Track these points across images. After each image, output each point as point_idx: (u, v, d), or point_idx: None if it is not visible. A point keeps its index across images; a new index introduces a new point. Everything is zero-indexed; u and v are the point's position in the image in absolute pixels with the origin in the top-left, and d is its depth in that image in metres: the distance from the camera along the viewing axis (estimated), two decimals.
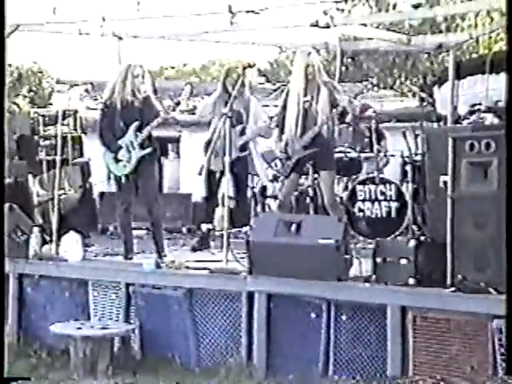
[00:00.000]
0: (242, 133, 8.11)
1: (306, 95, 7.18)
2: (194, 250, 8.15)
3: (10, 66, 14.35)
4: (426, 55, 12.03)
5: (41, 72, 14.02)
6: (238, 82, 7.69)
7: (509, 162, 5.15)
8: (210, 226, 8.18)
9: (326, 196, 7.24)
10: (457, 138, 5.94)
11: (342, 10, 13.46)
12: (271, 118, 7.96)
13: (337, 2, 10.83)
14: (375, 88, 9.92)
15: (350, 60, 13.93)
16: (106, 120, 7.61)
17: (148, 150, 7.47)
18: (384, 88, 13.12)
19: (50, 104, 10.32)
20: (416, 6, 6.90)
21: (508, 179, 5.15)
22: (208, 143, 7.91)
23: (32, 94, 12.80)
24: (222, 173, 7.73)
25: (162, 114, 7.53)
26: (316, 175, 7.30)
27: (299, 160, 7.17)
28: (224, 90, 8.16)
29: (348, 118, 9.04)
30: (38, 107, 11.03)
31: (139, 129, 7.47)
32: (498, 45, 11.22)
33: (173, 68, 29.88)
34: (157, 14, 8.50)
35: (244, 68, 7.35)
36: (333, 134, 7.36)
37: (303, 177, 7.52)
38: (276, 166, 8.42)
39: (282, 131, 7.33)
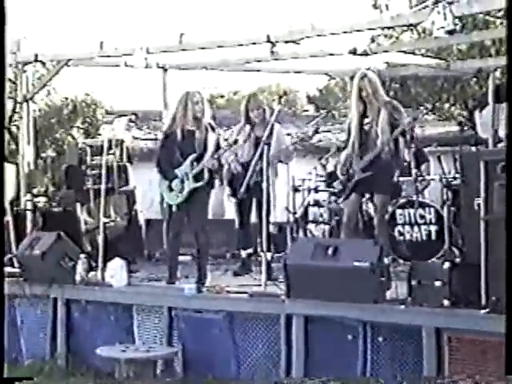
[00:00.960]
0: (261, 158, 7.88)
1: (366, 117, 7.26)
2: (235, 274, 8.24)
3: (65, 99, 14.79)
4: (466, 80, 12.10)
5: (95, 104, 14.39)
6: (259, 109, 7.89)
7: (509, 183, 5.22)
8: (249, 251, 8.29)
9: (379, 213, 7.30)
10: (489, 161, 6.03)
11: (390, 37, 13.63)
12: (294, 143, 7.98)
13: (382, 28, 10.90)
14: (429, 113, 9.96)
15: (397, 85, 14.02)
16: (165, 149, 7.80)
17: (200, 184, 7.63)
18: (426, 113, 13.18)
19: (99, 135, 10.63)
20: (450, 32, 6.99)
21: (508, 202, 5.21)
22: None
23: (86, 125, 13.16)
24: (251, 198, 7.96)
25: (222, 147, 7.72)
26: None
27: (358, 182, 7.23)
28: (246, 117, 8.21)
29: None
30: (91, 137, 11.36)
31: (197, 160, 7.64)
32: None
33: (222, 97, 30.17)
34: (199, 45, 8.71)
35: (280, 97, 7.51)
36: (394, 156, 7.29)
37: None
38: (338, 186, 8.34)
39: (345, 154, 7.39)
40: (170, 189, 7.73)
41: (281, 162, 8.36)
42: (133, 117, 8.25)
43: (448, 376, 5.91)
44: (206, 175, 7.68)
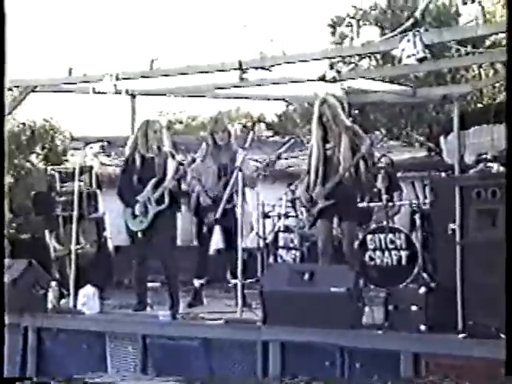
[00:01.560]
0: (226, 185, 7.83)
1: (327, 143, 7.24)
2: (189, 306, 7.96)
3: (23, 124, 14.63)
4: (431, 106, 12.27)
5: (52, 129, 14.27)
6: (225, 132, 7.93)
7: (508, 205, 5.29)
8: (202, 281, 8.14)
9: (346, 239, 7.28)
10: (464, 187, 6.11)
11: (349, 63, 13.75)
12: (257, 168, 7.95)
13: (343, 57, 11.03)
14: (384, 139, 10.08)
15: (357, 112, 14.14)
16: (125, 176, 7.84)
17: (163, 206, 7.64)
18: (391, 139, 13.34)
19: (66, 161, 10.57)
20: (421, 60, 7.09)
21: (507, 224, 5.29)
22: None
23: (46, 151, 13.03)
24: (211, 225, 7.92)
25: (180, 169, 7.70)
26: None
27: (322, 209, 7.23)
28: (212, 141, 8.11)
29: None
30: (52, 164, 11.24)
31: (157, 185, 7.65)
32: (501, 95, 11.45)
33: (181, 123, 30.11)
34: (171, 71, 8.71)
35: (253, 124, 7.50)
36: (356, 182, 7.27)
37: None
38: (302, 214, 8.36)
39: (308, 180, 7.37)
40: (134, 215, 7.72)
41: (248, 186, 8.16)
42: (105, 143, 8.20)
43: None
44: (168, 198, 7.68)
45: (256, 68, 8.60)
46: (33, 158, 14.26)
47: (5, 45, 5.05)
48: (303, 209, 7.86)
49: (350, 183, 7.22)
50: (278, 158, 10.49)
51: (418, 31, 7.11)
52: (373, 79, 9.63)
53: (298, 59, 8.31)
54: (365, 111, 13.32)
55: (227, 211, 7.72)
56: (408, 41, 7.16)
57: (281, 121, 26.44)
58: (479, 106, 11.96)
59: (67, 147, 11.57)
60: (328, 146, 7.26)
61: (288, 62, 8.46)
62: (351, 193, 7.31)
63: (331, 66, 11.95)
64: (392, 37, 7.49)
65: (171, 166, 7.73)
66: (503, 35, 7.94)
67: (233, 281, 7.91)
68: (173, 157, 7.83)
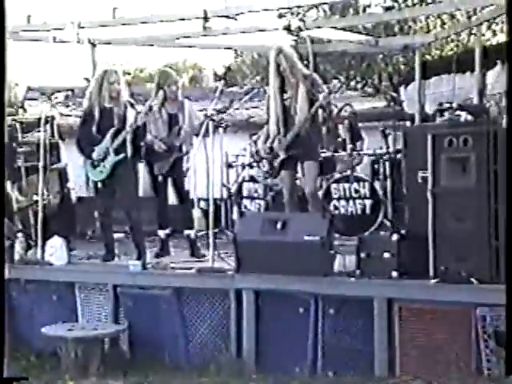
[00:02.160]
0: (179, 134, 7.99)
1: (284, 93, 7.15)
2: (157, 256, 7.96)
3: None
4: (392, 56, 12.32)
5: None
6: (173, 87, 7.89)
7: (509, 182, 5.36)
8: (167, 231, 8.11)
9: (308, 187, 7.23)
10: (436, 135, 6.18)
11: (297, 14, 13.72)
12: (205, 116, 7.86)
13: (299, 7, 10.97)
14: (342, 88, 10.05)
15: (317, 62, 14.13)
16: (84, 127, 7.73)
17: (121, 156, 7.58)
18: (349, 89, 13.36)
19: (24, 111, 10.37)
20: (388, 9, 7.10)
21: (508, 176, 5.36)
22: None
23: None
24: (165, 176, 7.93)
25: (138, 118, 7.63)
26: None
27: (283, 161, 7.22)
28: (162, 93, 7.98)
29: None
30: (9, 114, 11.03)
31: (116, 135, 7.58)
32: (463, 46, 11.56)
33: (129, 74, 29.73)
34: (134, 20, 8.60)
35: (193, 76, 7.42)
36: (315, 132, 7.24)
37: None
38: (264, 166, 8.31)
39: (267, 132, 7.33)
40: (94, 166, 7.66)
41: (196, 135, 7.94)
42: (69, 93, 8.06)
43: (399, 376, 6.05)
44: (128, 148, 7.62)
45: (221, 17, 8.57)
46: None
47: (5, 45, 4.92)
48: (264, 161, 7.82)
49: (310, 133, 7.14)
50: (230, 107, 10.48)
51: None
52: (336, 28, 9.61)
53: (263, 8, 8.28)
54: (324, 61, 13.32)
55: (178, 161, 7.88)
56: None
57: (230, 72, 26.34)
58: (441, 56, 12.05)
59: (24, 97, 11.34)
60: (285, 96, 7.17)
61: (252, 11, 8.44)
62: (311, 143, 7.22)
63: (280, 16, 11.92)
64: None
65: (130, 115, 7.63)
66: None
67: (186, 231, 7.93)
68: (132, 106, 7.73)
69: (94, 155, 7.58)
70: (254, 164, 9.59)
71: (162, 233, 8.14)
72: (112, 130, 7.59)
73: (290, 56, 7.16)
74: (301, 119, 7.09)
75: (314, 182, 7.44)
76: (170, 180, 8.10)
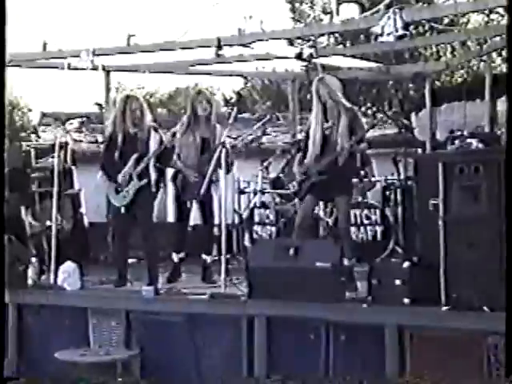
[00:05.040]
0: (210, 160, 7.73)
1: (326, 121, 7.27)
2: (169, 281, 7.98)
3: None
4: (403, 84, 12.38)
5: (15, 106, 14.12)
6: (208, 105, 7.87)
7: (508, 182, 5.40)
8: (181, 255, 8.11)
9: (340, 220, 7.32)
10: (447, 163, 6.22)
11: (308, 41, 13.74)
12: (245, 144, 7.85)
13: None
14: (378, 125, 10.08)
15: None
16: (108, 152, 7.81)
17: (144, 181, 7.65)
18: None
19: (38, 137, 10.48)
20: (400, 38, 7.17)
21: (507, 201, 5.39)
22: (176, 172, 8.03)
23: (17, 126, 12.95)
24: (191, 201, 7.92)
25: (163, 143, 7.68)
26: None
27: (313, 184, 7.25)
28: (193, 113, 8.02)
29: None
30: (23, 141, 11.17)
31: (140, 159, 7.65)
32: (474, 73, 11.59)
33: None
34: (148, 47, 8.69)
35: (238, 99, 7.53)
36: (351, 161, 7.32)
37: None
38: (294, 187, 8.25)
39: (304, 156, 7.40)
40: (117, 191, 7.72)
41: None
42: (84, 119, 8.16)
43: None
44: (151, 174, 7.70)
45: (235, 45, 8.64)
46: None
47: (5, 45, 4.99)
48: (295, 182, 7.81)
49: (345, 161, 7.20)
50: (264, 134, 10.59)
51: (398, 9, 7.19)
52: (347, 56, 9.69)
53: (277, 36, 8.36)
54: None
55: (208, 187, 7.75)
56: (388, 18, 7.23)
57: (240, 97, 26.46)
58: (451, 83, 12.10)
59: (39, 123, 11.45)
60: (326, 125, 7.26)
61: (267, 39, 8.51)
62: (345, 170, 7.28)
63: (291, 44, 12.01)
64: (372, 14, 7.55)
65: (154, 140, 7.71)
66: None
67: (204, 256, 7.99)
68: (155, 130, 7.80)
69: (119, 180, 7.66)
70: (267, 190, 9.66)
71: (176, 257, 8.15)
72: (135, 156, 7.65)
73: (331, 85, 7.28)
74: (341, 147, 7.13)
75: (346, 215, 7.42)
76: (195, 205, 8.04)
